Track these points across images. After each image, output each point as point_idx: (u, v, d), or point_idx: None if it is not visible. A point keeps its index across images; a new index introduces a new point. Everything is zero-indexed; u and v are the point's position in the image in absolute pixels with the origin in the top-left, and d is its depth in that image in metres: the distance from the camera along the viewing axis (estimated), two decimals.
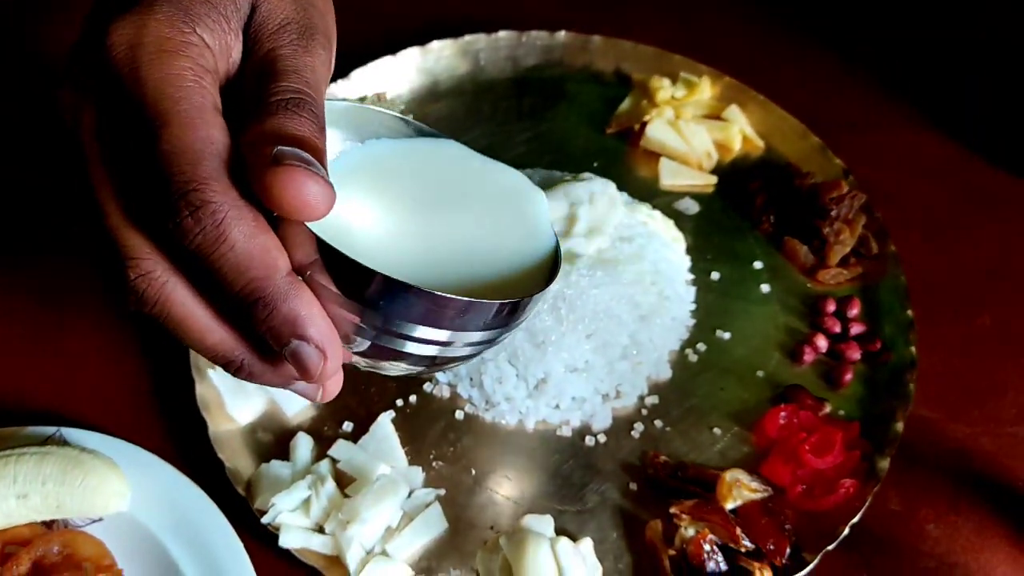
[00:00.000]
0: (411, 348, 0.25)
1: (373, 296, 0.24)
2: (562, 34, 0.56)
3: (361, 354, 0.26)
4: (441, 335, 0.25)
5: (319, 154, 0.25)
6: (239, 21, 0.28)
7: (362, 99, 0.53)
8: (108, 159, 0.25)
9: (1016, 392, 0.44)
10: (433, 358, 0.26)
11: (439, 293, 0.24)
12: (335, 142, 0.29)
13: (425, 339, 0.25)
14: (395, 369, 0.27)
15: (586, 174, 0.46)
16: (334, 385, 0.27)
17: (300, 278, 0.24)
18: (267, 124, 0.25)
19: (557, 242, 0.29)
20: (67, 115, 0.26)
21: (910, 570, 0.39)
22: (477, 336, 0.26)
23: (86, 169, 0.26)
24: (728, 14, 0.60)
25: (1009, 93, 0.54)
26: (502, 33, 0.56)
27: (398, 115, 0.31)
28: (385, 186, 0.29)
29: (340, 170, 0.27)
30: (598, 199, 0.43)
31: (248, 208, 0.24)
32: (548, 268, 0.28)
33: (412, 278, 0.24)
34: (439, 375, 0.42)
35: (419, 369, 0.27)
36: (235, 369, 0.26)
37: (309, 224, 0.24)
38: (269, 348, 0.25)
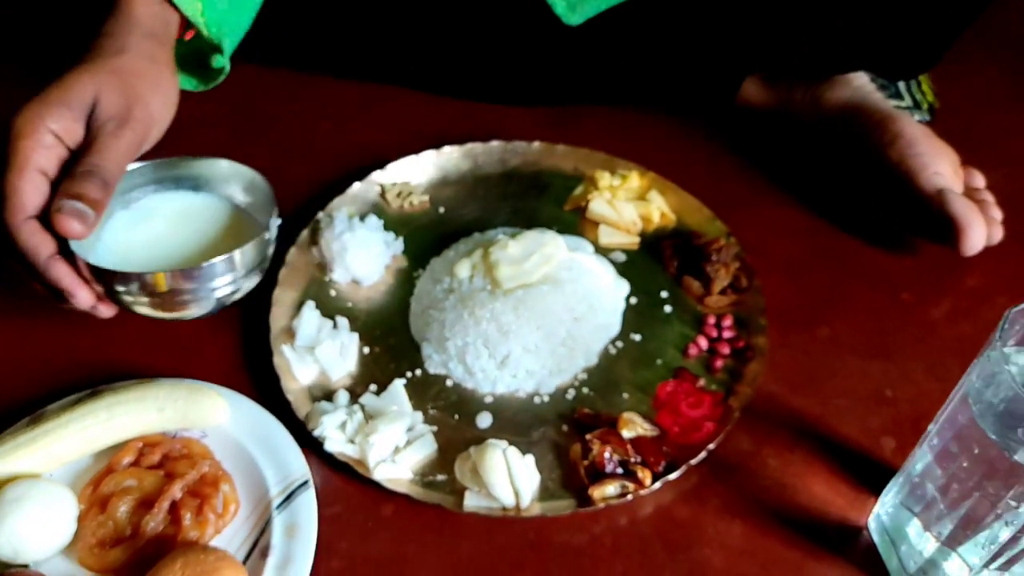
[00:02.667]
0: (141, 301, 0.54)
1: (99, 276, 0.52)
2: (536, 143, 0.76)
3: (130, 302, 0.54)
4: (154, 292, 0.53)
5: (94, 204, 0.49)
6: (83, 112, 0.53)
7: (393, 184, 0.74)
8: None
9: (840, 378, 0.61)
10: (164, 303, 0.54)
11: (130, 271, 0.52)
12: (134, 189, 0.59)
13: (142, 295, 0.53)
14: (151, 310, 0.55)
15: (545, 230, 0.66)
16: (104, 311, 0.54)
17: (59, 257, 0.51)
18: (64, 184, 0.50)
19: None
20: None
21: (752, 486, 0.55)
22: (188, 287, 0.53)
23: None
24: (653, 129, 0.81)
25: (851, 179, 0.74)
26: (494, 142, 0.76)
27: (172, 169, 0.60)
28: (145, 216, 0.58)
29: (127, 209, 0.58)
30: (549, 243, 0.63)
31: (34, 224, 0.50)
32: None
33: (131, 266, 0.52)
34: (435, 356, 0.60)
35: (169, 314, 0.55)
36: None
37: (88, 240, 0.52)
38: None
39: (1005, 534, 0.44)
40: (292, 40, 0.82)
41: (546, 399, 0.58)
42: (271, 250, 0.58)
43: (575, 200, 0.72)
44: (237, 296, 0.56)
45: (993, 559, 0.46)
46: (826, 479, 0.55)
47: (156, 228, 0.58)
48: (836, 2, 0.69)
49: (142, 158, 0.57)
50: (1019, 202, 0.73)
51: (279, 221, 0.58)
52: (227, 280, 0.54)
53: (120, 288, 0.52)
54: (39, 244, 0.50)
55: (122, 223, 0.58)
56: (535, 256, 0.61)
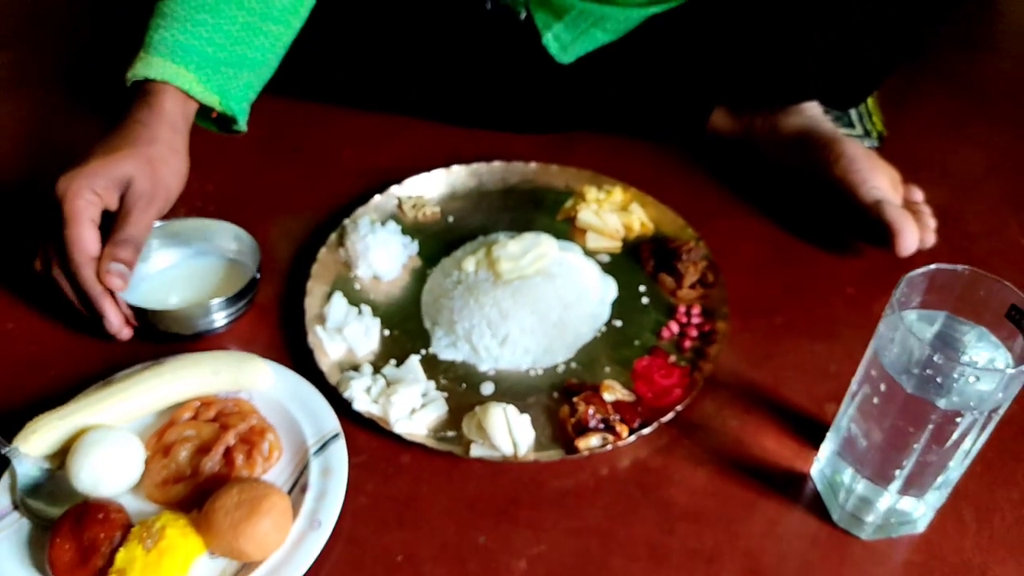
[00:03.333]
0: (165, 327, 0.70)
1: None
2: (533, 164, 0.87)
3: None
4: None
5: (130, 264, 0.67)
6: (120, 185, 0.69)
7: (408, 197, 0.85)
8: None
9: (791, 356, 0.71)
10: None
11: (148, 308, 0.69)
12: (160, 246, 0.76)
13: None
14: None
15: (540, 233, 0.77)
16: (126, 334, 0.69)
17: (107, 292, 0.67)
18: (107, 249, 0.66)
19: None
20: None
21: (714, 442, 0.65)
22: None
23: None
24: (634, 151, 0.92)
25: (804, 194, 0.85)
26: (496, 162, 0.87)
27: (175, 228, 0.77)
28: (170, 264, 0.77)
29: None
30: (543, 243, 0.74)
31: (91, 263, 0.66)
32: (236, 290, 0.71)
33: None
34: (445, 338, 0.71)
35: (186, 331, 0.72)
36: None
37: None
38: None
39: (909, 464, 0.54)
40: (317, 75, 0.94)
41: (540, 372, 0.69)
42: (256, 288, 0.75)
43: (566, 211, 0.83)
44: (227, 322, 0.73)
45: (905, 487, 0.56)
46: (777, 436, 0.65)
47: (166, 276, 0.76)
48: (786, 44, 0.81)
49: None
50: (955, 215, 0.84)
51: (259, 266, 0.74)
52: (220, 314, 0.72)
53: (146, 319, 0.70)
54: (96, 283, 0.66)
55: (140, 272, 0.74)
56: (531, 253, 0.72)
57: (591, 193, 0.83)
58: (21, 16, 1.27)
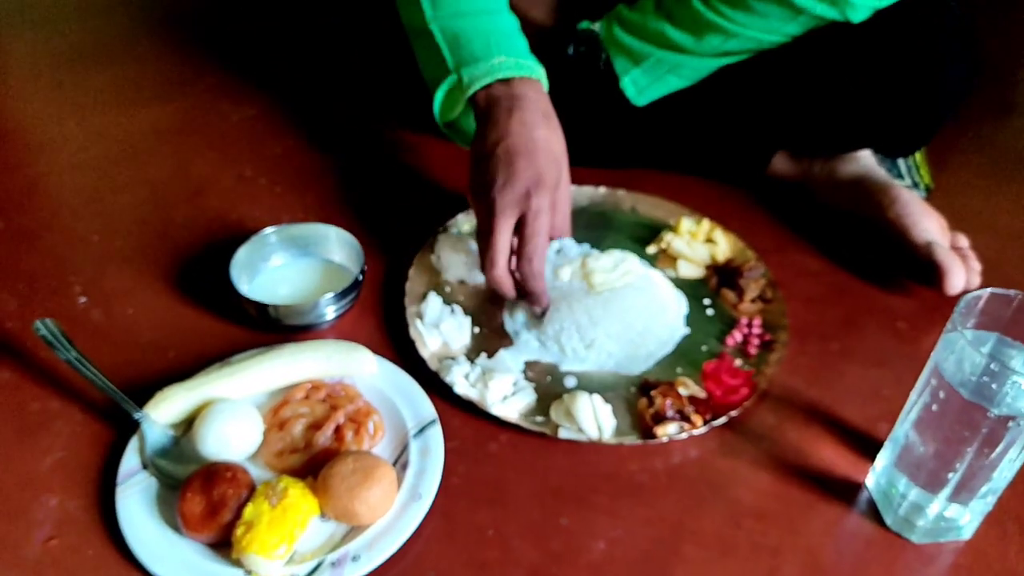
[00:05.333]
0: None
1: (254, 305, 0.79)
2: (602, 188, 0.96)
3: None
4: None
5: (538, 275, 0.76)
6: (515, 217, 0.75)
7: None
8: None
9: (846, 379, 0.77)
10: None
11: None
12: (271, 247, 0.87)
13: None
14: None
15: (626, 251, 0.85)
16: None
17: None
18: (521, 264, 0.75)
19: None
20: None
21: (776, 449, 0.71)
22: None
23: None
24: (700, 188, 1.01)
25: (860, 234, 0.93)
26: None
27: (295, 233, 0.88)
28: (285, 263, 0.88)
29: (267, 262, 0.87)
30: (629, 259, 0.82)
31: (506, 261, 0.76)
32: None
33: None
34: (536, 339, 0.78)
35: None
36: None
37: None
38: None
39: (961, 469, 0.61)
40: (415, 105, 1.04)
41: (622, 372, 0.76)
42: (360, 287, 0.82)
43: (658, 241, 0.91)
44: (334, 317, 0.81)
45: (954, 494, 0.62)
46: (833, 448, 0.72)
47: (282, 274, 0.86)
48: (845, 95, 0.90)
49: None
50: (996, 262, 0.91)
51: (364, 268, 0.82)
52: (329, 308, 0.80)
53: (264, 312, 0.78)
54: (509, 282, 0.77)
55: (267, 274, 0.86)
56: (620, 268, 0.80)
57: (685, 224, 0.91)
58: (124, 33, 1.39)
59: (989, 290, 0.60)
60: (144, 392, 0.70)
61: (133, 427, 0.69)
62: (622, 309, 0.77)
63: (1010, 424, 0.57)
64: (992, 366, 0.56)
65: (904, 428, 0.64)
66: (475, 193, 0.77)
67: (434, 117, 0.85)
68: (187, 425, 0.70)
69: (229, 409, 0.68)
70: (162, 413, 0.69)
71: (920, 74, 0.87)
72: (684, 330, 0.80)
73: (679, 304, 0.82)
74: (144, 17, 1.46)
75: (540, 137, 0.76)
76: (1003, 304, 0.61)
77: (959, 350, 0.58)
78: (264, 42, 1.38)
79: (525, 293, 0.77)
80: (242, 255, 0.82)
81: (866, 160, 0.95)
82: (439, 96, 0.82)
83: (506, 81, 0.78)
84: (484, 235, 0.76)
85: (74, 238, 0.94)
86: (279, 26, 1.43)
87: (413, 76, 0.88)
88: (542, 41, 1.01)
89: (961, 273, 0.83)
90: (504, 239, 0.75)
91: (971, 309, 0.61)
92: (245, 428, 0.68)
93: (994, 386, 0.57)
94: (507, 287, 0.77)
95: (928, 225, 0.87)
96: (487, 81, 0.78)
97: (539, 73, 0.81)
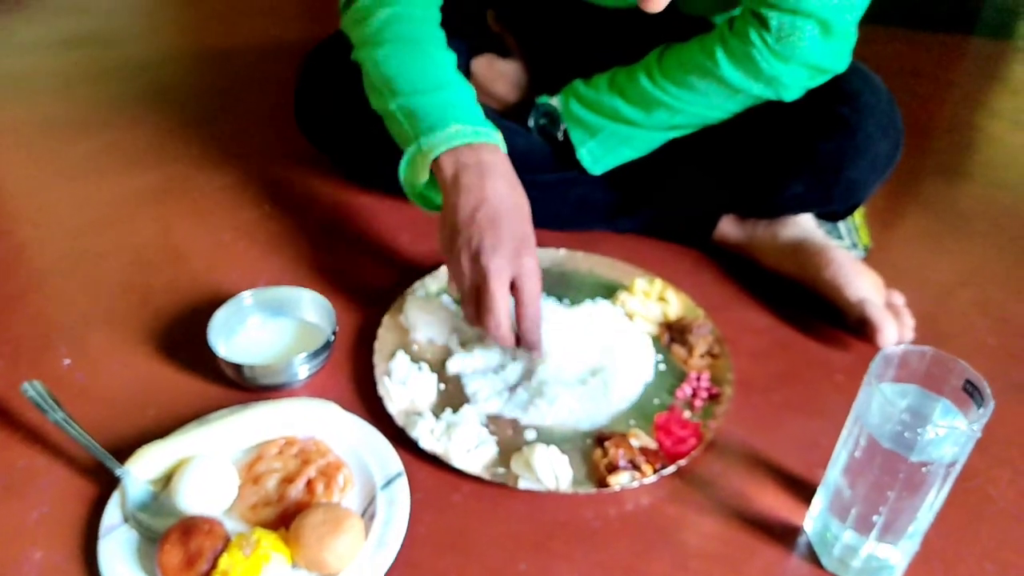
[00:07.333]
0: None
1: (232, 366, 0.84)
2: (562, 250, 1.02)
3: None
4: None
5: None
6: (509, 279, 0.81)
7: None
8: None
9: (787, 428, 0.83)
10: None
11: None
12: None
13: None
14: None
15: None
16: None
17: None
18: (523, 322, 0.81)
19: None
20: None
21: (720, 495, 0.75)
22: None
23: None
24: (650, 248, 1.08)
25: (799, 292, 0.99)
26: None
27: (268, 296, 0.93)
28: (261, 325, 0.93)
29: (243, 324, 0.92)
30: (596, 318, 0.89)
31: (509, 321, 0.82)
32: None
33: None
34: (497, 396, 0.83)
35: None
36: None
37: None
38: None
39: (885, 511, 0.66)
40: (379, 170, 1.11)
41: (580, 427, 0.81)
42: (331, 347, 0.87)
43: (614, 300, 0.97)
44: (307, 376, 0.86)
45: (882, 535, 0.67)
46: (774, 493, 0.77)
47: (258, 336, 0.91)
48: (779, 164, 0.97)
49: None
50: (931, 317, 0.98)
51: (336, 329, 0.87)
52: (302, 368, 0.84)
53: (240, 372, 0.83)
54: (512, 338, 0.82)
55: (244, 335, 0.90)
56: (582, 328, 0.86)
57: (639, 285, 0.97)
58: (109, 103, 1.45)
59: (903, 347, 0.67)
60: (126, 449, 0.74)
61: (115, 483, 0.72)
62: (583, 369, 0.84)
63: (925, 469, 0.62)
64: (903, 416, 0.62)
65: (833, 474, 0.70)
66: (459, 258, 0.82)
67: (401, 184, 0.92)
68: (166, 480, 0.73)
69: (205, 465, 0.72)
70: (142, 469, 0.73)
71: (848, 142, 0.94)
72: (640, 389, 0.86)
73: (647, 360, 0.88)
74: (128, 88, 1.53)
75: (516, 201, 0.83)
76: (919, 359, 0.67)
77: (877, 402, 0.64)
78: (242, 111, 1.45)
79: (525, 344, 0.83)
80: (220, 318, 0.86)
81: (806, 223, 1.02)
82: (403, 163, 0.88)
83: (471, 147, 0.84)
84: (482, 299, 0.80)
85: (60, 302, 0.98)
86: (257, 96, 1.50)
87: (383, 145, 0.95)
88: (506, 114, 1.09)
89: (893, 328, 0.90)
90: (504, 302, 0.80)
91: (889, 363, 0.67)
92: (221, 483, 0.72)
93: (908, 435, 0.62)
94: (511, 342, 0.82)
95: (862, 284, 0.93)
96: (445, 148, 0.83)
97: (496, 139, 0.87)
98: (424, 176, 0.87)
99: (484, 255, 0.79)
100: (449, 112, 0.86)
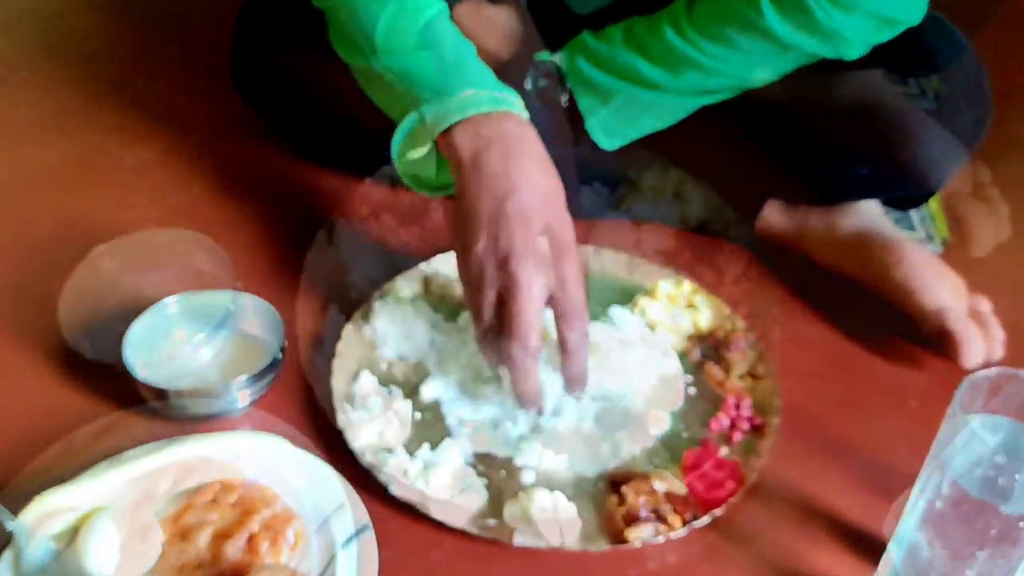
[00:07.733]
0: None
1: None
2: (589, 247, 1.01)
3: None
4: None
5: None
6: (546, 289, 0.77)
7: (436, 273, 0.97)
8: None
9: (849, 470, 0.82)
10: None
11: None
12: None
13: None
14: None
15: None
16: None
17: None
18: (567, 346, 0.79)
19: None
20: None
21: (767, 553, 0.75)
22: None
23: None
24: (681, 241, 1.07)
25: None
26: None
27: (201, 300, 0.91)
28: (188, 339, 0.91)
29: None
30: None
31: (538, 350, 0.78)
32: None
33: None
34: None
35: None
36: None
37: None
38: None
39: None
40: (349, 145, 1.09)
41: (592, 470, 0.80)
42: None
43: (632, 307, 0.96)
44: (248, 403, 0.84)
45: None
46: (832, 551, 0.75)
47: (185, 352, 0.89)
48: (841, 138, 0.96)
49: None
50: (1022, 329, 0.97)
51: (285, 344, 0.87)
52: (242, 393, 0.83)
53: (165, 398, 0.81)
54: (535, 387, 0.80)
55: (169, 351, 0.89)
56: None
57: (662, 288, 0.96)
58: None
59: (994, 370, 0.65)
60: (20, 497, 0.72)
61: (6, 539, 0.71)
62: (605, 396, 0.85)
63: (1022, 524, 0.61)
64: (997, 457, 0.61)
65: (908, 528, 0.69)
66: (480, 263, 0.78)
67: (392, 163, 0.89)
68: (71, 535, 0.71)
69: (118, 518, 0.71)
70: (40, 522, 0.71)
71: (923, 112, 0.93)
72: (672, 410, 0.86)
73: (674, 382, 0.88)
74: (26, 42, 1.50)
75: (550, 189, 0.80)
76: (1015, 384, 0.66)
77: (964, 439, 0.63)
78: (168, 69, 1.42)
79: (568, 380, 0.81)
80: (137, 330, 0.85)
81: (870, 212, 1.01)
82: (397, 137, 0.85)
83: (489, 117, 0.81)
84: (508, 317, 0.76)
85: None
86: (186, 50, 1.48)
87: (350, 111, 0.93)
88: (497, 74, 1.07)
89: (979, 344, 0.89)
90: (538, 318, 0.76)
91: (977, 390, 0.66)
92: (139, 540, 0.70)
93: (1002, 480, 0.61)
94: (536, 396, 0.80)
95: (940, 287, 0.93)
96: (457, 118, 0.80)
97: (519, 106, 0.84)
98: (423, 152, 0.85)
99: (514, 260, 0.76)
100: (458, 72, 0.83)
